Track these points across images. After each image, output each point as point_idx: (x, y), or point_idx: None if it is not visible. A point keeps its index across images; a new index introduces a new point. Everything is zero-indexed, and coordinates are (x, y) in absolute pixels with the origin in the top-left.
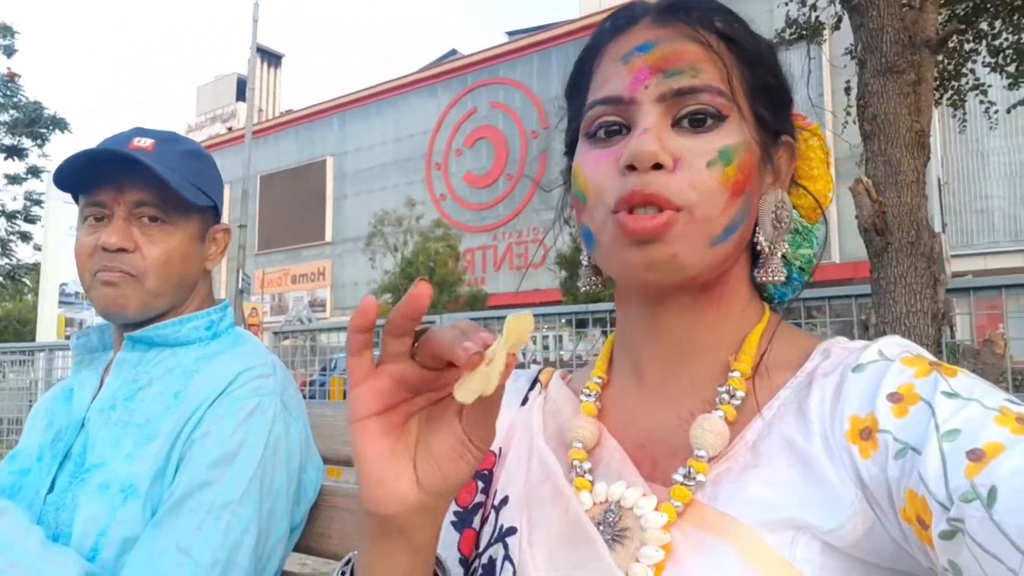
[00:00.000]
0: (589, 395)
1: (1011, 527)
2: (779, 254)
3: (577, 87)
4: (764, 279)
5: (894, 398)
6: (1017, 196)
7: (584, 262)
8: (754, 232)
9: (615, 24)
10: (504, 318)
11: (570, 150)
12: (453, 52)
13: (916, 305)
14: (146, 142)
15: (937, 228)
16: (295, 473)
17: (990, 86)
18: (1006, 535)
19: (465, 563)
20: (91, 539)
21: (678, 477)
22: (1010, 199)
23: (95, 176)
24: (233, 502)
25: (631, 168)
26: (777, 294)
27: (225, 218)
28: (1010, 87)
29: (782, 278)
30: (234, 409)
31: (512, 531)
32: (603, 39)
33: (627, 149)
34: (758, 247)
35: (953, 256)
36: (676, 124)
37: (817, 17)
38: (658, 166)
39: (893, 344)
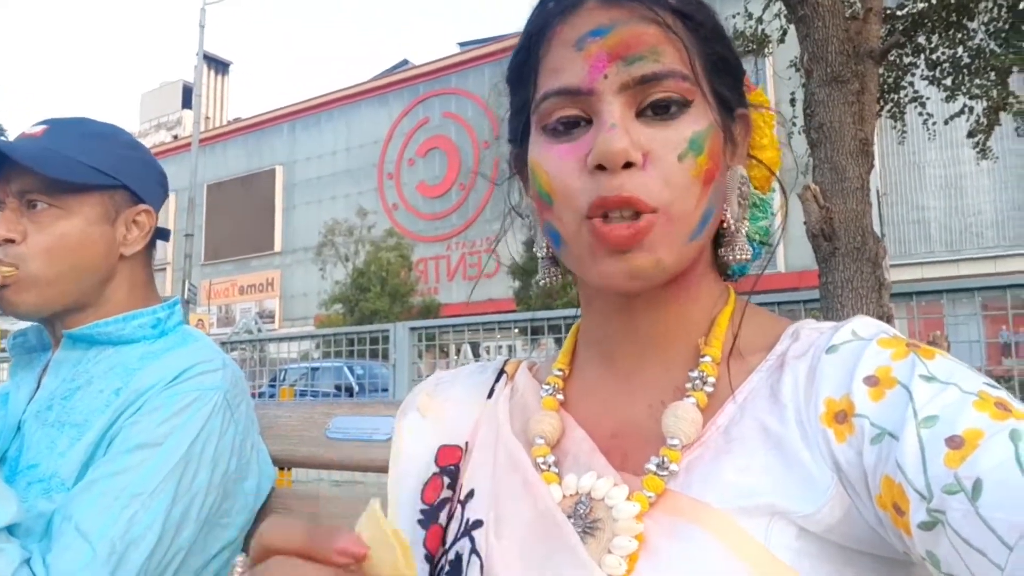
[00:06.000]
0: (549, 388)
1: (998, 521)
2: (743, 231)
3: (522, 74)
4: (731, 259)
5: (871, 381)
6: (952, 207)
7: (540, 254)
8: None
9: (560, 4)
10: (461, 327)
11: (515, 138)
12: (405, 62)
13: (862, 309)
14: (38, 128)
15: None
16: (219, 481)
17: (928, 99)
18: (992, 530)
19: (431, 559)
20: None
21: (651, 467)
22: (946, 210)
23: None
24: (144, 494)
25: (600, 168)
26: (738, 268)
27: (171, 227)
28: (947, 100)
29: (748, 256)
30: (171, 401)
31: (478, 524)
32: (548, 21)
33: (595, 148)
34: (724, 225)
35: (891, 265)
36: (640, 114)
37: (763, 30)
38: (628, 164)
39: (867, 324)
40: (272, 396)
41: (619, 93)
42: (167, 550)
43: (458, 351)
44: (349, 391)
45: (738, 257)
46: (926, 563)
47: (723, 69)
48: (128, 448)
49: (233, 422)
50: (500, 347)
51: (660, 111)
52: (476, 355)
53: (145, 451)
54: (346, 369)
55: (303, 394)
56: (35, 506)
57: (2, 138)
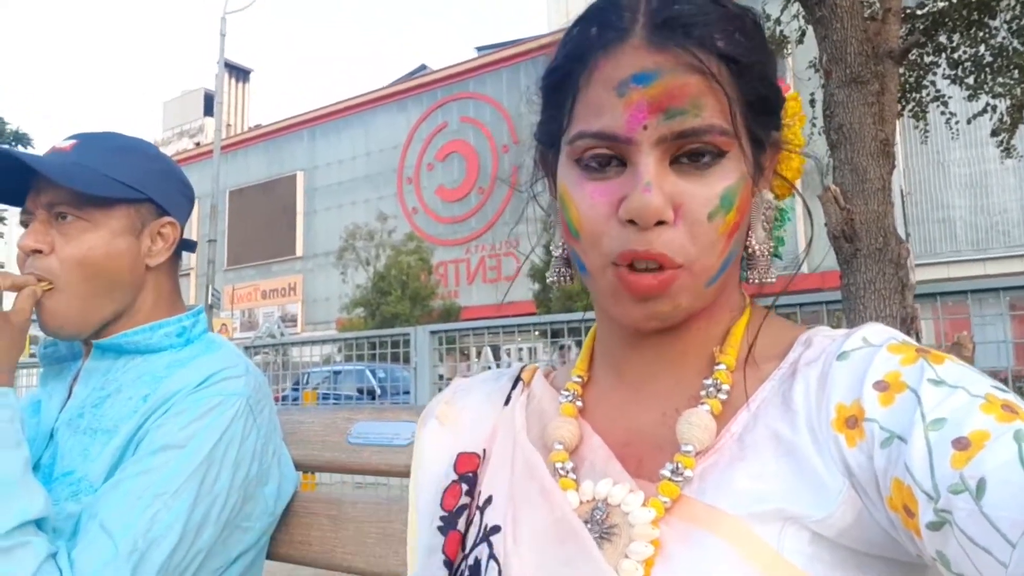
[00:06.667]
0: (568, 395)
1: (1002, 520)
2: (768, 254)
3: (559, 91)
4: (756, 281)
5: (880, 386)
6: (978, 205)
7: (556, 253)
8: (745, 237)
9: (604, 35)
10: (481, 330)
11: (544, 142)
12: (423, 67)
13: (885, 310)
14: (68, 143)
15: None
16: (240, 484)
17: (950, 97)
18: (996, 528)
19: (450, 565)
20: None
21: (666, 472)
22: (971, 208)
23: (23, 186)
24: (167, 494)
25: (631, 222)
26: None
27: (194, 233)
28: (969, 98)
29: (774, 279)
30: (195, 405)
31: (496, 530)
32: (590, 51)
33: (629, 203)
34: (748, 249)
35: (917, 265)
36: (675, 161)
37: (782, 31)
38: (660, 222)
39: (877, 331)
40: (296, 400)
41: (656, 145)
42: (188, 550)
43: (478, 354)
44: (371, 394)
45: (763, 279)
46: (937, 564)
47: (761, 107)
48: (153, 450)
49: (256, 427)
50: (521, 349)
51: (694, 158)
52: (497, 358)
53: (168, 452)
54: (368, 372)
55: (326, 397)
56: (64, 508)
57: (31, 148)
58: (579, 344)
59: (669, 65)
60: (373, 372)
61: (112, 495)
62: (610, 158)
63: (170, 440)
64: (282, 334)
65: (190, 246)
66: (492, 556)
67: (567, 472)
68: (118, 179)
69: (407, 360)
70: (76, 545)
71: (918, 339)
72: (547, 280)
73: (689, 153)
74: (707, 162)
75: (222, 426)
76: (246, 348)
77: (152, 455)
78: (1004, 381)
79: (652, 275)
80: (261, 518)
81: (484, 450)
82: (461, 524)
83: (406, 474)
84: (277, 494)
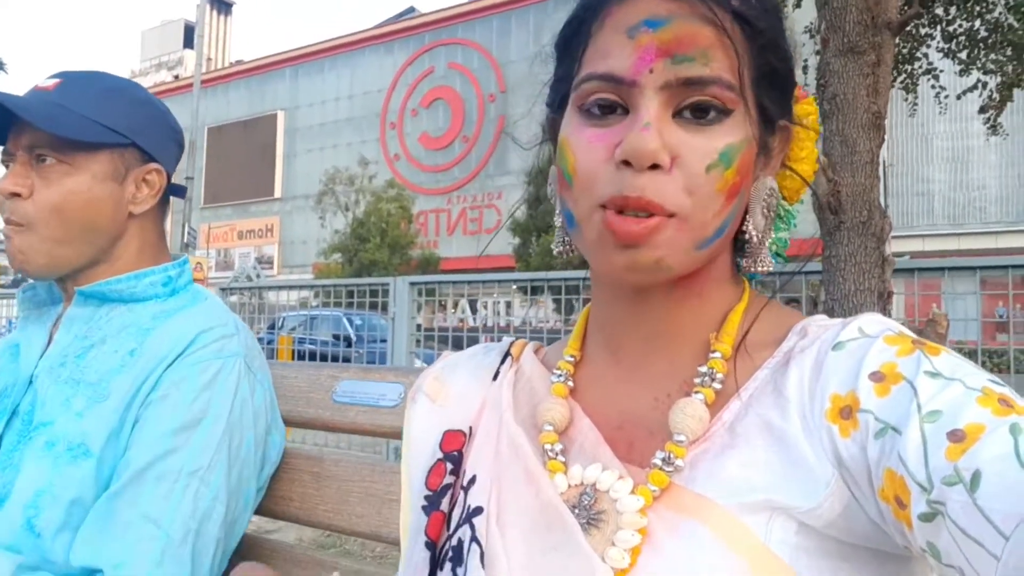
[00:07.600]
0: (560, 375)
1: (995, 512)
2: (767, 243)
3: (571, 46)
4: (753, 270)
5: (876, 377)
6: (957, 180)
7: (558, 223)
8: (743, 220)
9: None
10: (462, 283)
11: (553, 104)
12: (411, 10)
13: (864, 284)
14: (51, 82)
15: None
16: (262, 437)
17: (941, 71)
18: (989, 520)
19: (432, 547)
20: (29, 496)
21: (657, 462)
22: (950, 183)
23: (4, 124)
24: (202, 469)
25: (626, 163)
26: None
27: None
28: (961, 73)
29: (771, 268)
30: (195, 372)
31: (479, 511)
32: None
33: (625, 143)
34: (745, 235)
35: (893, 237)
36: (678, 114)
37: None
38: (655, 165)
39: (874, 322)
40: (270, 343)
41: (661, 90)
42: (232, 514)
43: (455, 305)
44: (347, 341)
45: (759, 269)
46: (927, 555)
47: (772, 81)
48: (170, 430)
49: (258, 382)
50: (497, 303)
51: (698, 114)
52: (473, 311)
53: (187, 431)
54: (345, 319)
55: (302, 342)
56: (62, 473)
57: (3, 72)
58: (556, 302)
59: (682, 13)
60: (350, 319)
61: (144, 483)
62: (614, 106)
63: (184, 419)
64: (258, 275)
65: (179, 191)
66: (474, 538)
67: (556, 454)
68: (102, 123)
69: (385, 309)
70: (116, 540)
71: (889, 315)
72: (553, 251)
73: (693, 107)
74: (711, 118)
75: (231, 391)
76: (222, 289)
77: (171, 436)
78: (973, 353)
79: (638, 220)
80: (266, 465)
81: (470, 428)
82: (445, 504)
83: (392, 435)
84: (279, 443)
